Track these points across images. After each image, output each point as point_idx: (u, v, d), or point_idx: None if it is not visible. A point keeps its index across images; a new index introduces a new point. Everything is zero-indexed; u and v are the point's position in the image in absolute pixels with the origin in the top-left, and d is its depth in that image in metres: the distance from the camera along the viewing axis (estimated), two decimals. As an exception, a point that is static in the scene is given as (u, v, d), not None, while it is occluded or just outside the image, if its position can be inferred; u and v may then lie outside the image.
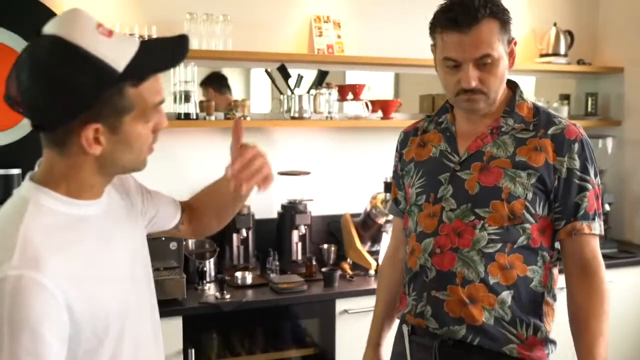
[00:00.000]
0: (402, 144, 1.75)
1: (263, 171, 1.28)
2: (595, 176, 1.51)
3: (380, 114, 3.19)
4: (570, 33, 3.57)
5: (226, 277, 2.63)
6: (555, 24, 3.54)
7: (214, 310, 2.49)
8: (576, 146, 1.49)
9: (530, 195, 1.48)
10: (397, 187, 1.76)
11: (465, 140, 1.58)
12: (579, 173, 1.48)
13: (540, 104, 1.62)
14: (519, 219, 1.48)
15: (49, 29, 1.04)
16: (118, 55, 1.03)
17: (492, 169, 1.51)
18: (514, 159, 1.50)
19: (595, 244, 1.52)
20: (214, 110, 2.90)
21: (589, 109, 3.66)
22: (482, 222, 1.50)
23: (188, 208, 1.51)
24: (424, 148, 1.66)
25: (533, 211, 1.49)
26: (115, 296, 1.13)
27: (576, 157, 1.48)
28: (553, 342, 1.55)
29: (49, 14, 2.56)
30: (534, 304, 1.52)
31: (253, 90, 3.17)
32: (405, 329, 1.65)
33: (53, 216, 1.06)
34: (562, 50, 3.53)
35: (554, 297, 1.57)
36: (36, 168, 1.13)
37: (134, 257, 1.24)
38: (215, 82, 3.09)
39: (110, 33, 1.05)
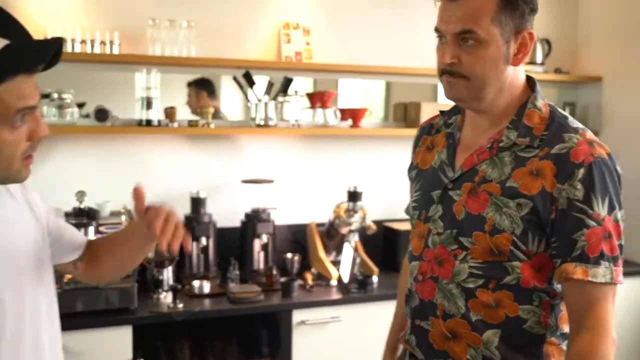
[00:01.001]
0: (416, 142, 1.57)
1: (181, 228, 1.26)
2: (611, 210, 1.23)
3: (350, 122, 3.15)
4: (547, 42, 3.52)
5: (181, 286, 2.59)
6: (532, 33, 3.48)
7: (166, 320, 2.45)
8: (581, 172, 1.21)
9: (519, 230, 1.25)
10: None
11: (465, 152, 1.38)
12: (579, 204, 1.21)
13: (561, 111, 1.33)
14: (505, 255, 1.27)
15: None
16: None
17: (480, 194, 1.30)
18: (505, 184, 1.27)
19: (596, 293, 1.22)
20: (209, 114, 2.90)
21: (568, 119, 3.60)
22: (465, 253, 1.31)
23: (92, 249, 1.45)
24: (430, 152, 1.48)
25: (524, 247, 1.26)
26: None
27: (578, 185, 1.21)
28: None
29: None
30: (530, 347, 1.31)
31: (224, 97, 3.15)
32: (406, 352, 1.52)
33: None
34: (539, 59, 3.48)
35: (562, 336, 1.33)
36: None
37: (18, 262, 1.20)
38: (208, 87, 3.08)
39: None
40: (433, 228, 1.37)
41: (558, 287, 1.29)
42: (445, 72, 1.29)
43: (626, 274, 3.21)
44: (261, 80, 2.98)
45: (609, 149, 1.27)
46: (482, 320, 1.30)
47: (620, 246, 1.25)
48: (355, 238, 2.89)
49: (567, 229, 1.22)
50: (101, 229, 2.53)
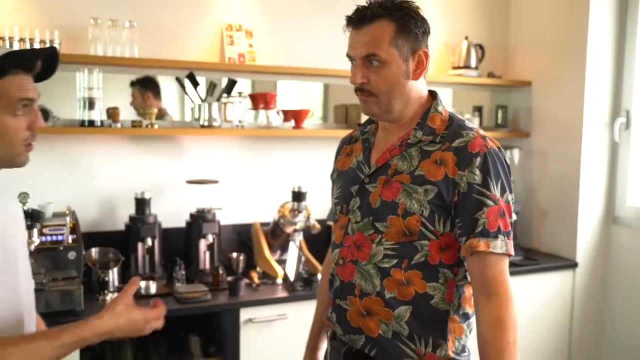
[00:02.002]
0: (337, 152, 1.76)
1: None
2: (503, 192, 1.43)
3: (292, 123, 3.20)
4: (481, 47, 3.67)
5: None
6: (466, 38, 3.64)
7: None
8: (478, 160, 1.42)
9: (426, 212, 1.44)
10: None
11: (378, 152, 1.58)
12: (478, 188, 1.41)
13: (458, 116, 1.56)
14: (415, 235, 1.46)
15: None
16: None
17: (393, 184, 1.49)
18: (414, 174, 1.47)
19: (497, 264, 1.42)
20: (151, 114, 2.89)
21: (499, 121, 3.77)
22: (380, 236, 1.49)
23: None
24: (349, 158, 1.66)
25: (432, 228, 1.45)
26: None
27: (477, 171, 1.41)
28: None
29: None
30: (435, 322, 1.49)
31: (166, 97, 3.14)
32: (327, 332, 1.72)
33: None
34: (473, 63, 3.63)
35: (464, 316, 1.52)
36: None
37: (7, 256, 1.31)
38: (152, 87, 3.06)
39: None
40: (352, 217, 1.56)
41: (461, 269, 1.49)
42: (358, 90, 1.50)
43: (555, 268, 3.44)
44: (203, 81, 2.99)
45: (499, 144, 1.49)
46: (395, 297, 1.48)
47: (511, 224, 1.46)
48: (300, 237, 2.95)
49: (469, 210, 1.42)
50: (45, 230, 2.49)
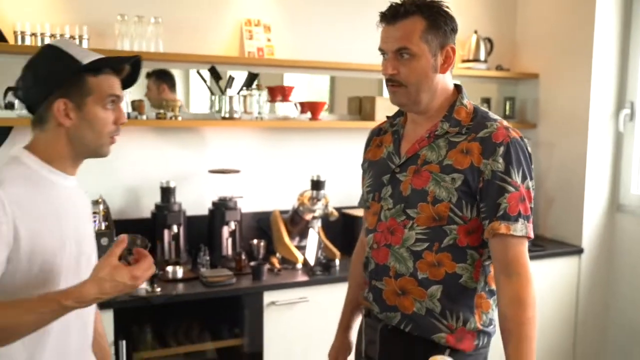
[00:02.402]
0: (367, 143, 1.86)
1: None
2: (524, 179, 1.53)
3: (309, 114, 3.32)
4: (489, 40, 3.79)
5: (157, 272, 2.71)
6: (475, 32, 3.75)
7: (145, 304, 2.57)
8: (501, 149, 1.51)
9: (454, 199, 1.54)
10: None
11: (408, 143, 1.67)
12: (501, 175, 1.51)
13: (482, 108, 1.65)
14: (444, 220, 1.56)
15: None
16: (84, 56, 1.41)
17: (423, 173, 1.59)
18: (442, 163, 1.57)
19: (517, 246, 1.52)
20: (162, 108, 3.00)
21: (507, 112, 3.89)
22: (411, 222, 1.60)
23: None
24: (380, 148, 1.76)
25: (460, 213, 1.55)
26: (55, 252, 1.38)
27: (500, 160, 1.51)
28: (485, 334, 1.63)
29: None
30: (464, 298, 1.60)
31: (193, 90, 3.26)
32: (362, 311, 1.82)
33: (27, 170, 1.39)
34: (482, 57, 3.74)
35: (490, 292, 1.63)
36: None
37: (78, 242, 1.45)
38: (167, 79, 3.17)
39: (84, 48, 1.52)
40: (384, 205, 1.67)
41: (485, 250, 1.59)
42: (389, 81, 1.60)
43: (561, 254, 3.56)
44: (223, 75, 3.11)
45: (521, 134, 1.59)
46: (427, 277, 1.59)
47: (531, 208, 1.56)
48: (318, 224, 3.07)
49: (492, 195, 1.52)
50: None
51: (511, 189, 1.51)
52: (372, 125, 3.21)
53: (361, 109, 3.51)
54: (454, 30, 1.61)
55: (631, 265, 3.58)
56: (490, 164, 1.52)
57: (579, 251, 3.59)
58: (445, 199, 1.55)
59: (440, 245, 1.57)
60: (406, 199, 1.61)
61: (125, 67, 1.48)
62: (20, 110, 2.71)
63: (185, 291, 2.68)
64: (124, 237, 1.37)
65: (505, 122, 1.60)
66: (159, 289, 2.61)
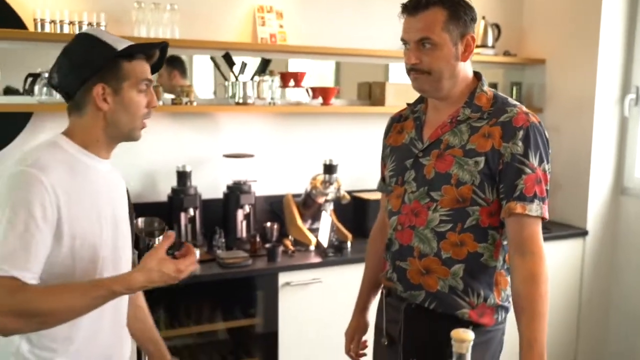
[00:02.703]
0: (387, 129, 1.92)
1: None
2: (540, 162, 1.59)
3: (320, 100, 3.38)
4: (497, 26, 3.84)
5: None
6: (483, 18, 3.80)
7: (165, 284, 2.64)
8: (521, 133, 1.58)
9: (477, 181, 1.61)
10: (384, 167, 1.91)
11: (430, 128, 1.73)
12: (519, 157, 1.57)
13: (502, 95, 1.71)
14: (467, 201, 1.63)
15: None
16: (118, 43, 1.48)
17: (446, 157, 1.66)
18: (465, 148, 1.63)
19: (532, 225, 1.58)
20: (173, 93, 3.07)
21: (514, 97, 3.95)
22: (435, 204, 1.66)
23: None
24: (401, 134, 1.83)
25: (483, 195, 1.62)
26: (95, 233, 1.45)
27: (519, 143, 1.57)
28: (504, 308, 1.71)
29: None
30: (485, 276, 1.68)
31: (195, 76, 3.32)
32: (382, 291, 1.89)
33: (65, 154, 1.46)
34: (490, 42, 3.80)
35: (508, 270, 1.69)
36: None
37: (116, 223, 1.54)
38: (179, 65, 3.23)
39: (115, 36, 1.53)
40: (408, 188, 1.73)
41: (504, 230, 1.65)
42: (411, 70, 1.66)
43: (566, 236, 3.64)
44: (237, 61, 3.16)
45: (540, 119, 1.66)
46: (450, 257, 1.67)
47: (547, 191, 1.62)
48: (330, 207, 3.15)
49: (510, 176, 1.59)
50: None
51: (528, 171, 1.58)
52: (382, 110, 3.34)
53: (371, 94, 3.57)
54: (474, 19, 1.67)
55: (634, 247, 3.66)
56: (510, 147, 1.58)
57: (583, 233, 3.67)
58: (469, 181, 1.62)
59: (463, 226, 1.65)
60: (430, 182, 1.68)
61: (156, 52, 1.54)
62: (40, 96, 2.78)
63: (203, 272, 2.76)
64: (172, 233, 1.48)
65: (524, 108, 1.67)
66: (178, 270, 2.68)
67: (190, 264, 1.45)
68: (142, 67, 1.50)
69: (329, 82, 3.61)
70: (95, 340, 1.50)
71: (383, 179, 1.94)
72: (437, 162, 1.68)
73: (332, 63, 3.62)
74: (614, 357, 3.79)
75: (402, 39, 1.68)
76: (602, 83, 3.59)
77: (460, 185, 1.63)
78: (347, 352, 2.02)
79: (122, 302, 1.61)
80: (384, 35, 3.49)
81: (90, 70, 1.44)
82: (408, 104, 1.89)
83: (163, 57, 1.58)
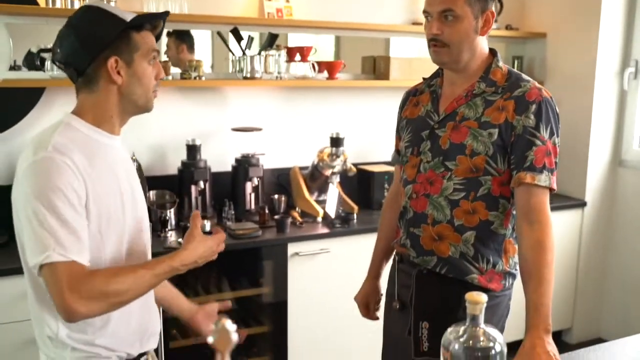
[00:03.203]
0: (402, 103, 1.98)
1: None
2: (551, 135, 1.65)
3: (325, 74, 3.43)
4: (499, 0, 3.88)
5: (188, 225, 2.86)
6: (486, -9, 3.83)
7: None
8: (533, 107, 1.64)
9: (490, 152, 1.68)
10: (398, 140, 1.98)
11: (446, 101, 1.79)
12: (531, 130, 1.64)
13: (516, 71, 1.77)
14: (481, 171, 1.70)
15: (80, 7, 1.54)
16: (125, 14, 1.46)
17: (462, 128, 1.72)
18: (480, 120, 1.70)
19: (540, 195, 1.65)
20: (180, 67, 3.11)
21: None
22: (449, 173, 1.73)
23: None
24: (417, 107, 1.89)
25: (495, 165, 1.69)
26: (117, 208, 1.47)
27: (531, 116, 1.64)
28: (511, 275, 1.79)
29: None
30: (494, 243, 1.75)
31: (215, 51, 3.36)
32: (395, 257, 1.97)
33: (77, 134, 1.44)
34: (492, 16, 3.84)
35: (516, 238, 1.74)
36: None
37: (134, 196, 1.55)
38: (187, 39, 3.27)
39: (117, 7, 1.51)
40: (424, 158, 1.80)
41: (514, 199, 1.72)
42: (432, 41, 1.71)
43: (565, 207, 3.72)
44: (244, 36, 3.20)
45: (551, 94, 1.72)
46: (462, 224, 1.74)
47: (556, 163, 1.69)
48: (337, 179, 3.23)
49: (521, 148, 1.66)
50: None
51: (539, 143, 1.65)
52: (386, 84, 3.39)
53: (375, 68, 3.62)
54: None
55: (631, 217, 3.76)
56: (522, 119, 1.65)
57: (582, 204, 3.77)
58: (482, 152, 1.69)
59: (476, 194, 1.72)
60: (445, 152, 1.75)
61: (160, 23, 1.54)
62: (52, 72, 2.82)
63: (214, 243, 2.83)
64: (197, 213, 1.56)
65: (537, 83, 1.73)
66: (191, 241, 2.76)
67: (223, 239, 1.56)
68: (150, 38, 1.50)
69: (329, 56, 3.65)
70: (129, 319, 1.53)
71: (397, 151, 2.01)
72: (452, 133, 1.74)
73: (332, 37, 3.65)
74: (608, 322, 3.91)
75: (425, 11, 1.73)
76: (602, 57, 3.65)
77: (475, 155, 1.70)
78: (365, 315, 2.12)
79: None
80: (385, 9, 3.54)
81: (103, 43, 1.42)
82: (424, 78, 1.95)
83: (162, 29, 1.58)
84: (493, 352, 1.21)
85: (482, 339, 1.22)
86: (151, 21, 1.51)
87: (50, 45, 2.84)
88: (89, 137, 1.45)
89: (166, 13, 1.54)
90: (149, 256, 1.66)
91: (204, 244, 1.49)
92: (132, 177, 1.59)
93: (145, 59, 1.47)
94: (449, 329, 1.25)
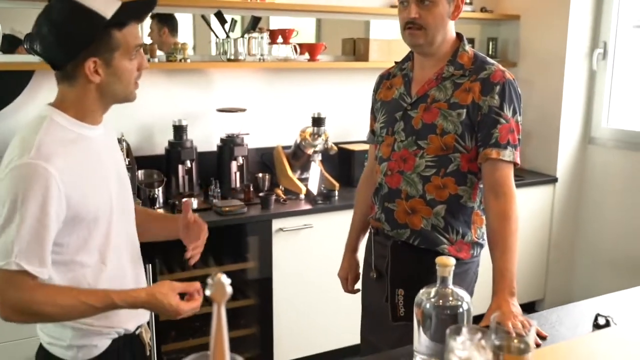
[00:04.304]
0: (377, 86, 2.11)
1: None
2: (514, 114, 1.78)
3: (307, 56, 3.54)
4: (474, -17, 4.00)
5: (176, 203, 2.98)
6: (461, -25, 3.95)
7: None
8: (497, 88, 1.77)
9: (459, 131, 1.80)
10: (373, 120, 2.10)
11: (417, 84, 1.92)
12: (495, 109, 1.76)
13: (481, 54, 1.90)
14: (451, 149, 1.83)
15: None
16: (106, 9, 1.40)
17: (433, 109, 1.85)
18: (450, 101, 1.83)
19: (505, 169, 1.79)
20: (162, 50, 3.20)
21: (490, 52, 4.15)
22: (422, 151, 1.86)
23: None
24: (390, 90, 2.02)
25: (463, 144, 1.82)
26: (104, 199, 1.50)
27: (496, 97, 1.76)
28: (479, 245, 1.93)
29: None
30: (463, 215, 1.89)
31: (197, 33, 3.45)
32: (371, 230, 2.10)
33: (63, 131, 1.43)
34: (468, -1, 3.97)
35: (483, 210, 1.89)
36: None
37: (120, 177, 1.61)
38: (169, 22, 3.35)
39: None
40: (397, 137, 1.93)
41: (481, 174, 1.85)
42: (409, 24, 1.83)
43: (537, 183, 3.88)
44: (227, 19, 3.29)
45: (514, 76, 1.84)
46: (434, 198, 1.88)
47: (519, 139, 1.82)
48: (319, 158, 3.35)
49: (487, 126, 1.79)
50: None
51: (503, 121, 1.78)
52: (366, 65, 3.50)
53: (355, 49, 3.73)
54: None
55: (600, 192, 3.94)
56: (487, 100, 1.79)
57: (553, 180, 3.94)
58: (452, 131, 1.82)
59: (446, 171, 1.86)
60: (417, 131, 1.88)
61: (146, 15, 1.53)
62: (41, 55, 2.90)
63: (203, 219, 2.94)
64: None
65: (501, 66, 1.86)
66: (179, 218, 2.88)
67: (192, 310, 1.50)
68: (134, 33, 1.45)
69: (310, 38, 3.76)
70: (122, 283, 1.58)
71: (372, 131, 2.13)
72: (424, 114, 1.87)
73: (313, 20, 3.75)
74: (578, 293, 4.10)
75: None
76: (572, 38, 3.80)
77: (445, 134, 1.83)
78: (346, 289, 2.26)
79: (135, 239, 1.67)
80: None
81: (80, 45, 1.38)
82: (396, 62, 2.08)
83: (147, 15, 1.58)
84: (461, 310, 1.34)
85: (450, 298, 1.36)
86: (135, 17, 1.47)
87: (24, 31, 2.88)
88: (74, 132, 1.45)
89: (152, 3, 1.49)
90: (134, 232, 1.68)
91: (164, 301, 1.45)
92: (118, 159, 1.64)
93: (126, 57, 1.44)
94: (421, 290, 1.39)
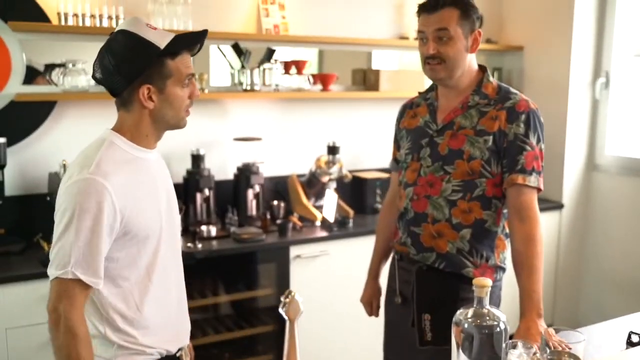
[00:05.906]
0: (400, 115, 2.19)
1: None
2: (538, 142, 1.87)
3: (319, 86, 3.63)
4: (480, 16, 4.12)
5: (196, 230, 3.04)
6: (467, 7, 4.07)
7: (187, 259, 2.87)
8: (523, 116, 1.87)
9: (485, 157, 1.88)
10: (396, 149, 2.19)
11: (443, 112, 2.00)
12: (521, 137, 1.86)
13: (504, 84, 1.99)
14: (477, 174, 1.90)
15: (119, 27, 1.56)
16: (160, 39, 1.52)
17: (459, 136, 1.93)
18: (476, 128, 1.91)
19: (530, 194, 1.87)
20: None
21: (495, 82, 4.26)
22: (448, 176, 1.93)
23: None
24: (414, 118, 2.10)
25: (489, 169, 1.89)
26: (155, 218, 1.59)
27: (522, 125, 1.86)
28: (502, 269, 2.00)
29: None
30: (487, 239, 1.94)
31: (212, 65, 3.54)
32: (394, 256, 2.15)
33: (120, 152, 1.55)
34: (473, 31, 4.08)
35: (506, 235, 1.96)
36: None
37: (169, 201, 1.69)
38: None
39: (155, 28, 1.56)
40: (423, 163, 2.00)
41: (506, 200, 1.92)
42: (428, 59, 1.92)
43: (544, 209, 3.95)
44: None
45: (537, 105, 1.96)
46: (460, 222, 1.94)
47: (542, 166, 1.91)
48: (333, 186, 3.42)
49: (513, 152, 1.87)
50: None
51: (528, 148, 1.87)
52: (377, 95, 3.59)
53: (365, 79, 3.83)
54: (479, 18, 1.96)
55: (605, 218, 4.02)
56: (513, 128, 1.88)
57: (559, 206, 4.02)
58: (479, 157, 1.90)
59: (472, 195, 1.93)
60: (443, 157, 1.96)
61: (197, 45, 1.60)
62: (64, 86, 2.97)
63: (221, 247, 3.01)
64: None
65: (524, 96, 1.96)
66: (200, 245, 2.93)
67: None
68: (185, 63, 1.56)
69: (312, 68, 3.84)
70: (167, 322, 1.65)
71: (395, 159, 2.21)
72: (450, 141, 1.95)
73: (315, 51, 3.84)
74: (587, 318, 4.16)
75: (420, 31, 1.93)
76: (575, 68, 3.92)
77: (472, 160, 1.91)
78: (370, 314, 2.32)
79: (180, 262, 1.75)
80: (371, 24, 3.79)
81: (137, 72, 1.50)
82: (419, 92, 2.16)
83: (201, 45, 1.63)
84: (498, 329, 1.41)
85: (487, 318, 1.42)
86: (186, 46, 1.57)
87: (64, 60, 2.98)
88: (132, 155, 1.56)
89: (204, 33, 1.60)
90: (179, 254, 1.75)
91: None
92: (168, 185, 1.72)
93: (178, 85, 1.55)
94: (459, 311, 1.44)
